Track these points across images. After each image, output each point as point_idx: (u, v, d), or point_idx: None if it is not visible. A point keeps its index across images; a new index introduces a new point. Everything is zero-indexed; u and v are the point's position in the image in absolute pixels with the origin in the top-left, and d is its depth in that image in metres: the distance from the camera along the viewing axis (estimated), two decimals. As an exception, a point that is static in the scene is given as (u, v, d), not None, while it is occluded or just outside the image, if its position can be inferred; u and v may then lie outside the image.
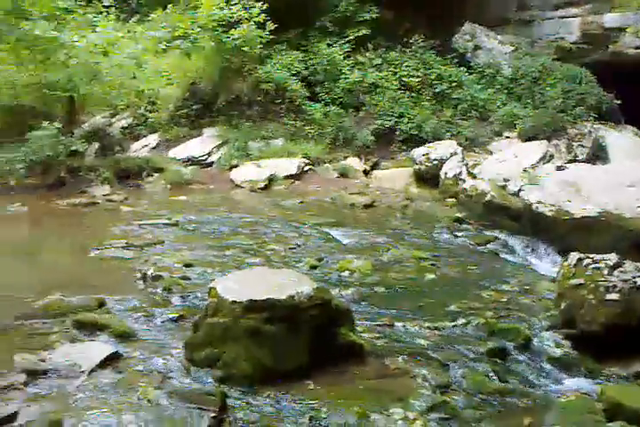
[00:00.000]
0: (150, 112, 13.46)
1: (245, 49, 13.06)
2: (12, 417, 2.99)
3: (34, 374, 3.46)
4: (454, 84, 13.68)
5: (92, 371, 3.52)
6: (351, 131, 12.81)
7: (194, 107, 13.40)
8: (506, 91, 13.79)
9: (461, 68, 14.04)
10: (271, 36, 13.24)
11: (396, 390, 3.47)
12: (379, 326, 4.37)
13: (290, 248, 6.56)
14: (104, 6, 13.08)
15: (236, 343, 3.60)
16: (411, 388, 3.48)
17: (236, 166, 11.71)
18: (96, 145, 11.73)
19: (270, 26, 13.04)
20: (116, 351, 3.74)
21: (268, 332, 3.59)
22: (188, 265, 5.72)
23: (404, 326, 4.40)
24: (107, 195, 9.82)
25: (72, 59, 11.41)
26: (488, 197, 8.20)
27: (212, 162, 12.14)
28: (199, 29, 13.30)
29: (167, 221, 7.68)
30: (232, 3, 13.26)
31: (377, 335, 4.20)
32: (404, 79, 13.72)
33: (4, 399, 3.17)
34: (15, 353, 3.70)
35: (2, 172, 10.53)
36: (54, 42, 11.28)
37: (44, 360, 3.63)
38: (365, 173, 11.99)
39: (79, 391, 3.32)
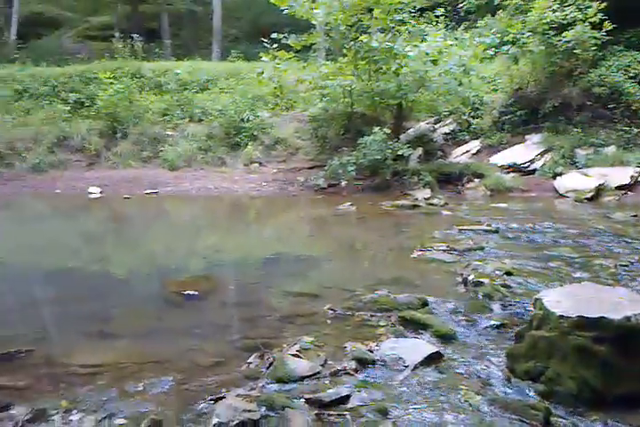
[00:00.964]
0: (473, 118, 13.55)
1: (577, 51, 12.44)
2: (346, 399, 3.22)
3: (363, 363, 3.69)
4: None
5: (416, 367, 3.63)
6: (699, 138, 11.42)
7: (518, 113, 13.16)
8: None
9: None
10: (607, 37, 12.40)
11: None
12: None
13: (621, 265, 6.01)
14: (435, 16, 13.53)
15: (562, 360, 3.41)
16: None
17: (560, 175, 11.23)
18: (419, 150, 12.17)
19: (607, 26, 12.22)
20: (438, 351, 3.80)
21: (597, 352, 3.33)
22: (508, 273, 5.60)
23: None
24: (428, 198, 10.15)
25: (403, 68, 12.00)
26: None
27: (535, 169, 11.79)
28: (529, 33, 12.98)
29: (487, 228, 7.65)
30: (565, 4, 12.72)
31: None
32: None
33: (338, 382, 3.45)
34: (347, 341, 4.01)
35: (336, 174, 11.53)
36: (388, 52, 12.00)
37: (371, 351, 3.85)
38: None
39: (403, 385, 3.45)
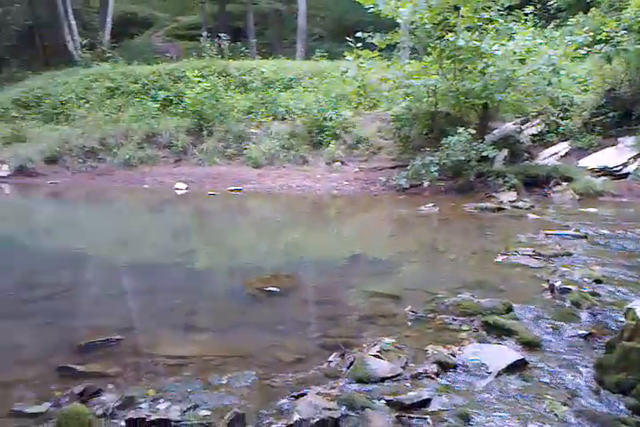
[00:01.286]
0: (562, 119, 13.13)
1: (679, 49, 11.86)
2: (427, 403, 3.19)
3: (444, 367, 3.63)
4: None
5: (499, 374, 3.55)
6: None
7: (610, 114, 12.66)
8: None
9: None
10: None
11: None
12: None
13: None
14: (524, 14, 13.19)
15: (656, 374, 3.27)
16: None
17: (656, 180, 10.74)
18: (505, 151, 11.89)
19: None
20: (523, 359, 3.71)
21: (694, 366, 3.18)
22: (597, 281, 5.40)
23: None
24: (513, 201, 9.91)
25: (489, 67, 11.76)
26: None
27: (627, 173, 11.30)
28: (623, 31, 12.47)
29: (575, 233, 7.39)
30: (666, -1, 12.17)
31: None
32: None
33: (419, 385, 3.42)
34: (428, 344, 3.97)
35: (418, 174, 11.43)
36: (475, 51, 11.79)
37: (453, 355, 3.79)
38: None
39: (485, 391, 3.38)
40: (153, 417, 3.08)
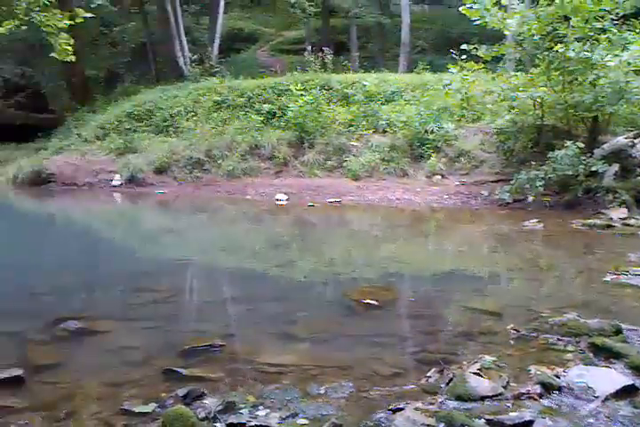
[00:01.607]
0: (679, 133, 12.41)
1: None
2: (529, 424, 3.08)
3: (548, 388, 3.50)
4: None
5: (607, 399, 3.39)
6: None
7: None
8: None
9: None
10: None
11: None
12: None
13: None
14: (640, 23, 12.63)
15: None
16: None
17: None
18: (615, 166, 11.36)
19: None
20: (633, 384, 3.53)
21: None
22: None
23: None
24: (623, 219, 9.46)
25: (601, 79, 11.34)
26: None
27: None
28: None
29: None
30: None
31: None
32: None
33: (521, 406, 3.31)
34: (531, 364, 3.84)
35: (522, 188, 11.13)
36: (585, 63, 11.41)
37: (558, 376, 3.65)
38: None
39: (591, 416, 3.24)
40: (253, 423, 3.15)
